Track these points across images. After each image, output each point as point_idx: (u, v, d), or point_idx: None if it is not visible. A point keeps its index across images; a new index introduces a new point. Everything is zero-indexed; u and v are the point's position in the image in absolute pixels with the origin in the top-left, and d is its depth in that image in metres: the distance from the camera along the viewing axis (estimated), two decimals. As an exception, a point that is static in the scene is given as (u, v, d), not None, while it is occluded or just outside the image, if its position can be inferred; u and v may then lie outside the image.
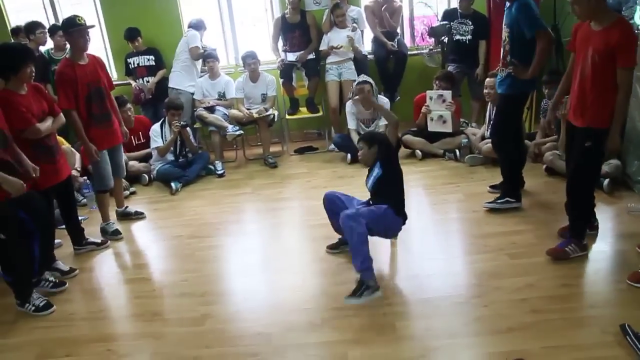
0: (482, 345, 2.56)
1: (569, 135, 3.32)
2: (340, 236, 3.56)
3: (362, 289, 2.95)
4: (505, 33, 3.69)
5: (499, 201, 4.00)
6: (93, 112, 3.94)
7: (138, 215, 4.59)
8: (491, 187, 4.38)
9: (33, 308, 3.19)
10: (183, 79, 5.95)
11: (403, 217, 3.32)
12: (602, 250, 3.26)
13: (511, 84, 3.70)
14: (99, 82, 3.97)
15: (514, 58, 3.62)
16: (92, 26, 3.96)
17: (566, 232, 3.43)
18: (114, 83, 6.17)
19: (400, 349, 2.58)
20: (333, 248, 3.60)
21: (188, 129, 5.44)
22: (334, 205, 3.43)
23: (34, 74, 3.38)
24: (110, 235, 4.21)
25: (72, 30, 3.81)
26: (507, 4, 3.64)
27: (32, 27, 5.44)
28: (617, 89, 2.91)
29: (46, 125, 3.44)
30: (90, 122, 3.95)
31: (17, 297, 3.23)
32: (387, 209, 3.19)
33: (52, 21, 6.24)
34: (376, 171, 3.33)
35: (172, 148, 5.37)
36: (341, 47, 5.69)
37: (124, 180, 5.07)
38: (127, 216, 4.57)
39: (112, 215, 4.44)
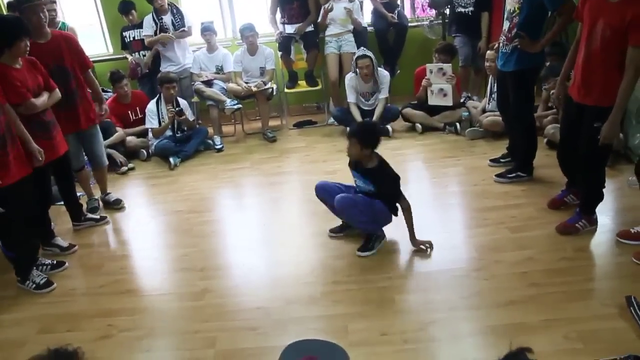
0: (482, 318, 2.57)
1: (569, 110, 3.22)
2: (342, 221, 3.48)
3: (372, 241, 3.25)
4: (515, 4, 3.51)
5: (509, 176, 3.98)
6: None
7: (118, 204, 4.35)
8: (491, 160, 4.35)
9: (34, 286, 3.19)
10: (163, 62, 5.86)
11: (394, 213, 3.29)
12: (602, 223, 3.24)
13: (519, 59, 3.58)
14: (61, 61, 3.71)
15: (522, 30, 3.48)
16: (44, 3, 3.65)
17: (556, 204, 3.50)
18: (107, 58, 6.16)
19: (400, 322, 2.59)
20: (337, 232, 3.48)
21: (188, 110, 5.43)
22: (326, 193, 3.39)
23: (28, 48, 3.30)
24: (88, 210, 4.17)
25: (24, 7, 3.56)
26: None
27: (21, 1, 5.30)
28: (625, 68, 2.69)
29: (42, 100, 3.37)
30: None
31: (17, 273, 3.23)
32: (381, 204, 3.20)
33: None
34: (367, 184, 3.21)
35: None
36: (332, 8, 5.51)
37: (121, 156, 5.07)
38: (106, 204, 4.36)
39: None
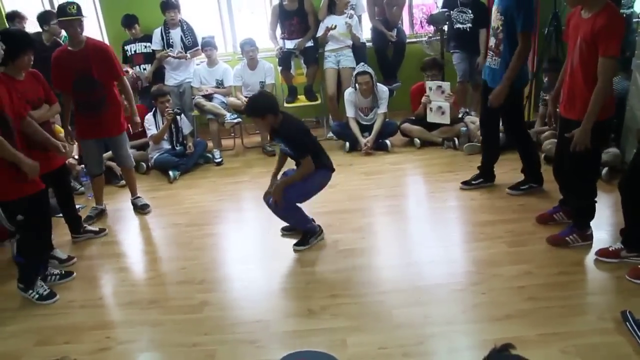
0: (480, 332, 2.57)
1: (560, 126, 3.24)
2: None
3: (307, 237, 3.54)
4: (499, 21, 3.57)
5: (522, 188, 4.03)
6: (78, 99, 3.98)
7: (144, 209, 4.47)
8: (463, 183, 4.30)
9: (37, 296, 3.19)
10: (167, 75, 5.97)
11: (329, 168, 3.60)
12: (599, 238, 3.26)
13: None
14: (88, 70, 3.89)
15: (506, 49, 3.56)
16: (82, 16, 3.86)
17: (545, 219, 3.52)
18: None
19: (398, 336, 2.59)
20: (288, 230, 3.76)
21: (185, 124, 5.51)
22: None
23: (32, 62, 3.35)
24: (92, 219, 4.28)
25: (62, 19, 3.87)
26: None
27: (47, 17, 5.25)
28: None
29: (39, 112, 3.40)
30: (76, 109, 4.05)
31: (22, 281, 3.22)
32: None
33: (48, 7, 6.17)
34: (283, 146, 3.57)
35: (167, 137, 5.37)
36: (335, 26, 5.57)
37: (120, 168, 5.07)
38: (134, 207, 4.50)
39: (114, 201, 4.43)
